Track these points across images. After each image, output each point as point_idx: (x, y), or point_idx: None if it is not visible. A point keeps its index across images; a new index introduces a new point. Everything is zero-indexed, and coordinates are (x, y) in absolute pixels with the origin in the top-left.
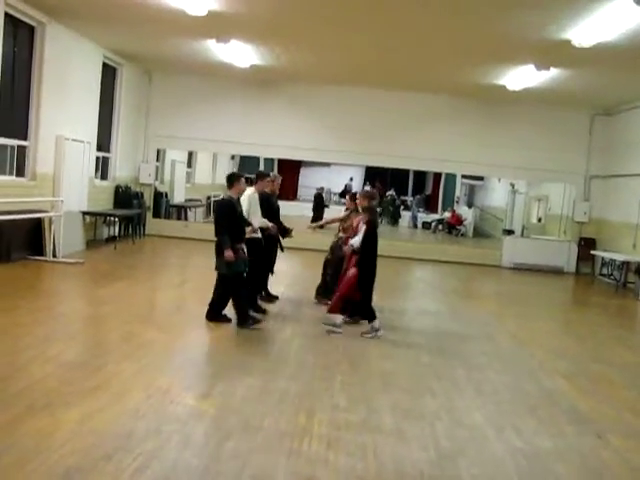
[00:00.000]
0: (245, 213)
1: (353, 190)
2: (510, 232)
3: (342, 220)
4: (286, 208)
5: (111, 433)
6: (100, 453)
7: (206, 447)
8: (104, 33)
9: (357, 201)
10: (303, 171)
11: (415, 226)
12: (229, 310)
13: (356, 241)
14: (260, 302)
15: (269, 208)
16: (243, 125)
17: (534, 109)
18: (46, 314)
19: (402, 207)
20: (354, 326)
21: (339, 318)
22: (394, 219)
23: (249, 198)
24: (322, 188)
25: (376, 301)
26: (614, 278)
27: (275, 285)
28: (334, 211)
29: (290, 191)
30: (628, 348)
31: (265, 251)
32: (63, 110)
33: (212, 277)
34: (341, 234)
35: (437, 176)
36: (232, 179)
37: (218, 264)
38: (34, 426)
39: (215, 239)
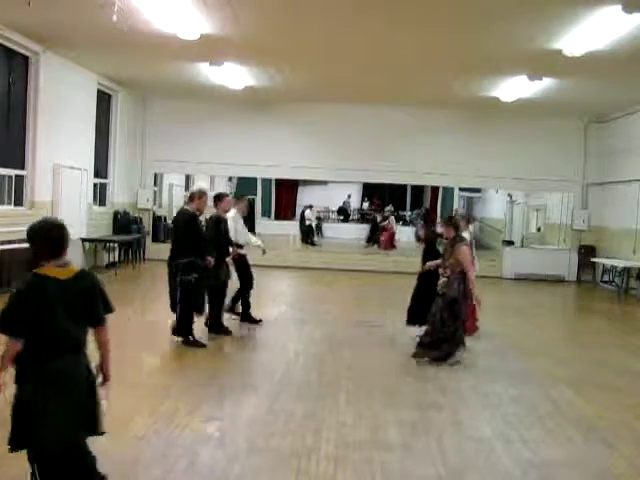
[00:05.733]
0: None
1: (351, 206)
2: (510, 243)
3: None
4: (286, 227)
5: (116, 460)
6: None
7: (213, 471)
8: (98, 60)
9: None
10: (300, 190)
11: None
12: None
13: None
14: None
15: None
16: (239, 146)
17: (528, 119)
18: None
19: (401, 222)
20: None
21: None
22: None
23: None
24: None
25: (378, 317)
26: (616, 285)
27: (276, 304)
28: (334, 228)
29: (289, 210)
30: (633, 354)
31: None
32: (59, 138)
33: None
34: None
35: (435, 190)
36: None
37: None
38: None
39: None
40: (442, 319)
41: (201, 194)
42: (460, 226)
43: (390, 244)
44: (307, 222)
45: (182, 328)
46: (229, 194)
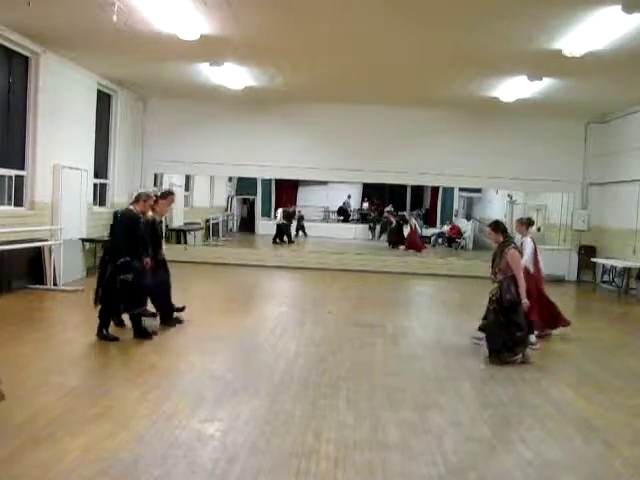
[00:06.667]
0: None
1: (348, 207)
2: None
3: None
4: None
5: (117, 460)
6: None
7: (213, 471)
8: (98, 61)
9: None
10: (300, 190)
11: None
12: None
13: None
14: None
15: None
16: (239, 147)
17: (529, 119)
18: (48, 343)
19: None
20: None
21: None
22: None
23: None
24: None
25: (378, 317)
26: (616, 285)
27: (276, 304)
28: (334, 228)
29: None
30: (633, 354)
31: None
32: (59, 139)
33: (213, 300)
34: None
35: (435, 190)
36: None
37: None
38: (39, 457)
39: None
40: (500, 322)
41: (147, 197)
42: (521, 231)
43: (419, 244)
44: (279, 222)
45: (102, 319)
46: (157, 194)
